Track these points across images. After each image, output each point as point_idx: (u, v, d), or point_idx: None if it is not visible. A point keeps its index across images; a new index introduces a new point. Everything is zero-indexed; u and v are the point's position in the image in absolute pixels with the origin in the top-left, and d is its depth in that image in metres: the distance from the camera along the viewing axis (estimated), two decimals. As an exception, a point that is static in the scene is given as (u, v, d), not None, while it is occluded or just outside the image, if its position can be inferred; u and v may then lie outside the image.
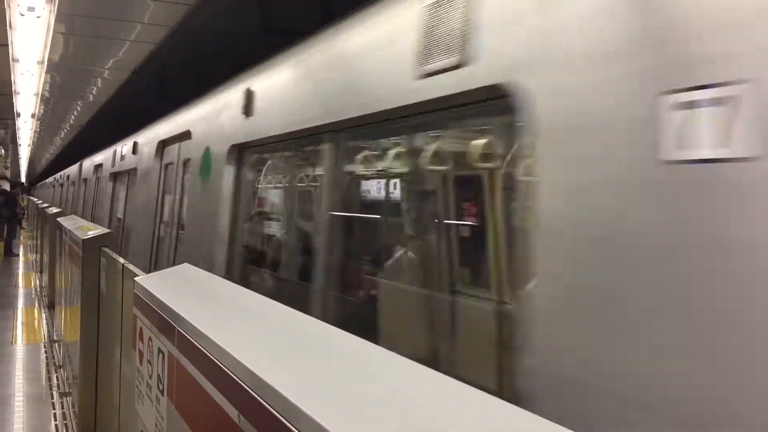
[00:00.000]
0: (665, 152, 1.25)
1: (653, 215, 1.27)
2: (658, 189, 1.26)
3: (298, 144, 3.30)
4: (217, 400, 1.31)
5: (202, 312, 1.69)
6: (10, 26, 7.09)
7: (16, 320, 8.31)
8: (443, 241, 2.43)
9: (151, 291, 2.00)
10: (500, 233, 2.13)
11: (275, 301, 1.71)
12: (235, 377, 1.20)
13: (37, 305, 9.38)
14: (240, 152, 3.80)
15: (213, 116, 4.29)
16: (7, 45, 7.90)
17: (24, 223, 22.56)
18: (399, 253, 2.74)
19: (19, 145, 22.71)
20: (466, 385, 1.02)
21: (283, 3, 5.57)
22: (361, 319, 2.82)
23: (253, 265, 3.97)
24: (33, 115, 14.29)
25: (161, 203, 5.57)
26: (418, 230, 2.66)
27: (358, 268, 2.96)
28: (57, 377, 5.73)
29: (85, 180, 11.46)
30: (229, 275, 3.75)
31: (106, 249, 3.96)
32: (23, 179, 43.56)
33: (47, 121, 15.66)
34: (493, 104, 1.83)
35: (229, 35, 6.68)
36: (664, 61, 1.26)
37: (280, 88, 3.22)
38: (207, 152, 4.18)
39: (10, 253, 15.75)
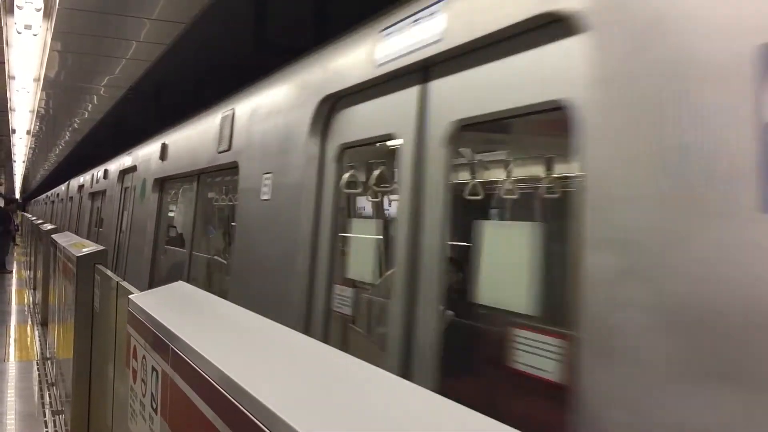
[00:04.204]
0: None
1: None
2: None
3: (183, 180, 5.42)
4: (211, 420, 1.31)
5: (197, 330, 1.70)
6: (7, 44, 7.13)
7: (9, 337, 8.26)
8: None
9: (145, 309, 2.00)
10: None
11: (271, 320, 1.72)
12: (229, 397, 1.21)
13: (30, 322, 9.33)
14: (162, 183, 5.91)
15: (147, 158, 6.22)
16: (3, 62, 7.94)
17: (18, 239, 22.49)
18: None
19: (14, 161, 22.70)
20: (452, 402, 1.04)
21: (278, 21, 5.62)
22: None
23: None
24: (28, 132, 14.31)
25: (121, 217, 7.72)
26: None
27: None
28: (50, 395, 5.70)
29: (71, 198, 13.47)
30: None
31: (100, 266, 3.96)
32: (17, 195, 43.48)
33: (42, 138, 15.67)
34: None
35: (224, 53, 6.73)
36: None
37: (174, 145, 5.29)
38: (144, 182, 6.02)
39: (3, 269, 15.67)
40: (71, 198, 13.64)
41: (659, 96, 1.31)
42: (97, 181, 9.48)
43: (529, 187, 2.22)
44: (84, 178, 11.74)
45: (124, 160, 7.04)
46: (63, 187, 16.07)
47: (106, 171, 8.62)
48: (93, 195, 10.11)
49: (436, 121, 2.20)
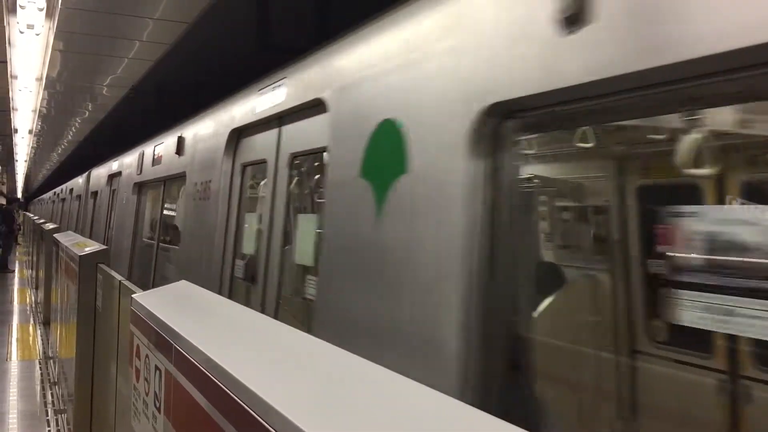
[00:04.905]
0: None
1: None
2: None
3: None
4: (214, 418, 1.31)
5: (200, 329, 1.70)
6: (9, 43, 7.14)
7: (11, 336, 8.27)
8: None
9: (148, 308, 2.00)
10: None
11: (272, 318, 1.72)
12: (232, 395, 1.21)
13: (32, 321, 9.34)
14: None
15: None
16: (5, 62, 7.95)
17: (20, 239, 22.52)
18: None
19: (16, 161, 22.73)
20: (453, 399, 1.04)
21: (281, 22, 5.62)
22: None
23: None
24: (30, 131, 14.33)
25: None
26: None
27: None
28: (52, 394, 5.70)
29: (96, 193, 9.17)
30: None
31: (102, 265, 3.97)
32: (19, 195, 43.56)
33: (45, 137, 15.69)
34: None
35: (227, 53, 6.74)
36: None
37: None
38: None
39: (5, 268, 15.70)
40: (93, 193, 8.84)
41: None
42: (155, 162, 5.41)
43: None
44: (123, 161, 7.04)
45: (252, 104, 3.22)
46: (80, 179, 10.83)
47: (181, 140, 4.45)
48: (141, 186, 6.00)
49: None
